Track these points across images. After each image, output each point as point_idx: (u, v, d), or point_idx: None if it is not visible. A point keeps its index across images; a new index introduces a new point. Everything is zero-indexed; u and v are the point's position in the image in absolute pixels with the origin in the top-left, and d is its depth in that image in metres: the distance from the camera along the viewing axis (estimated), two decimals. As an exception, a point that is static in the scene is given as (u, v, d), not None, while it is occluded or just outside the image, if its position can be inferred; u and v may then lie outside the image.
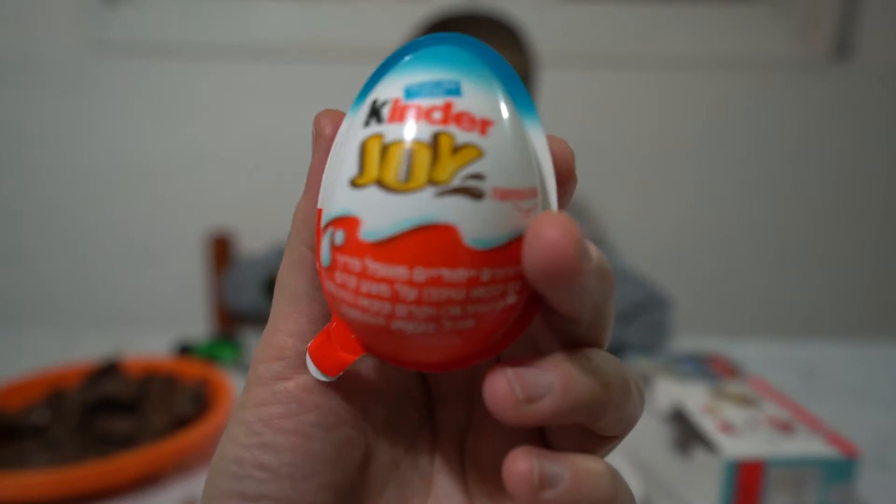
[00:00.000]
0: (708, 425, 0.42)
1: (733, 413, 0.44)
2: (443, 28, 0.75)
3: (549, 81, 1.29)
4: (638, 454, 0.50)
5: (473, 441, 0.18)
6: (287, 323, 0.17)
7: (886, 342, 0.79)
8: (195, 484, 0.46)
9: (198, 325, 1.12)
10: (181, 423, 0.49)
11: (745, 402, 0.46)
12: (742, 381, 0.50)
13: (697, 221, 1.35)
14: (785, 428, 0.43)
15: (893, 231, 1.37)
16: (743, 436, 0.41)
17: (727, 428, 0.42)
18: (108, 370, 0.55)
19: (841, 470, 0.40)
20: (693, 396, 0.47)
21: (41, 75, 1.22)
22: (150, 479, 0.46)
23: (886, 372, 0.70)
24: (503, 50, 0.76)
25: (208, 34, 1.22)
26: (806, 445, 0.41)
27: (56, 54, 1.21)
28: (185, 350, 0.68)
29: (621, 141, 1.31)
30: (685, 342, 0.75)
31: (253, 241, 1.09)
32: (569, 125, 1.28)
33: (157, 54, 1.22)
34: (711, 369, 0.52)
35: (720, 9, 1.29)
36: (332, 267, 0.15)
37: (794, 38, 1.25)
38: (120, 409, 0.49)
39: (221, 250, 1.03)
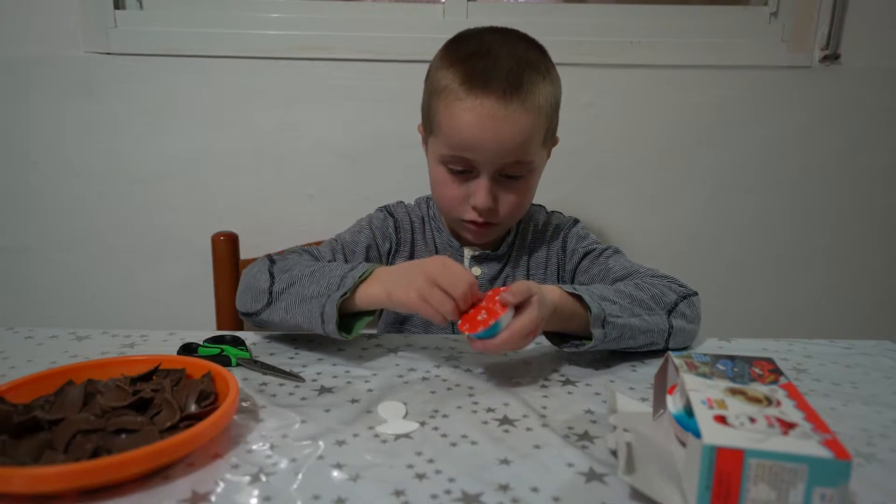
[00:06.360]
0: (704, 415, 0.43)
1: (739, 408, 0.44)
2: (476, 44, 0.79)
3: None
4: (659, 444, 0.51)
5: None
6: None
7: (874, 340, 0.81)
8: (202, 479, 0.47)
9: (204, 325, 1.12)
10: (188, 418, 0.50)
11: (758, 401, 0.45)
12: (774, 385, 0.48)
13: (691, 222, 1.36)
14: (787, 427, 0.42)
15: (881, 231, 1.38)
16: (733, 427, 0.42)
17: (721, 419, 0.43)
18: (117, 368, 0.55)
19: (829, 471, 0.38)
20: (706, 391, 0.46)
21: (49, 77, 1.23)
22: (157, 474, 0.47)
23: (873, 369, 0.71)
24: (544, 68, 0.80)
25: (213, 36, 1.24)
26: (796, 443, 0.40)
27: (64, 56, 1.22)
28: (191, 349, 0.69)
29: (616, 141, 1.31)
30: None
31: (258, 241, 1.10)
32: (565, 125, 1.27)
33: (164, 57, 1.24)
34: (749, 371, 0.50)
35: (715, 13, 1.31)
36: None
37: (787, 43, 1.27)
38: (128, 406, 0.50)
39: (228, 251, 1.04)
